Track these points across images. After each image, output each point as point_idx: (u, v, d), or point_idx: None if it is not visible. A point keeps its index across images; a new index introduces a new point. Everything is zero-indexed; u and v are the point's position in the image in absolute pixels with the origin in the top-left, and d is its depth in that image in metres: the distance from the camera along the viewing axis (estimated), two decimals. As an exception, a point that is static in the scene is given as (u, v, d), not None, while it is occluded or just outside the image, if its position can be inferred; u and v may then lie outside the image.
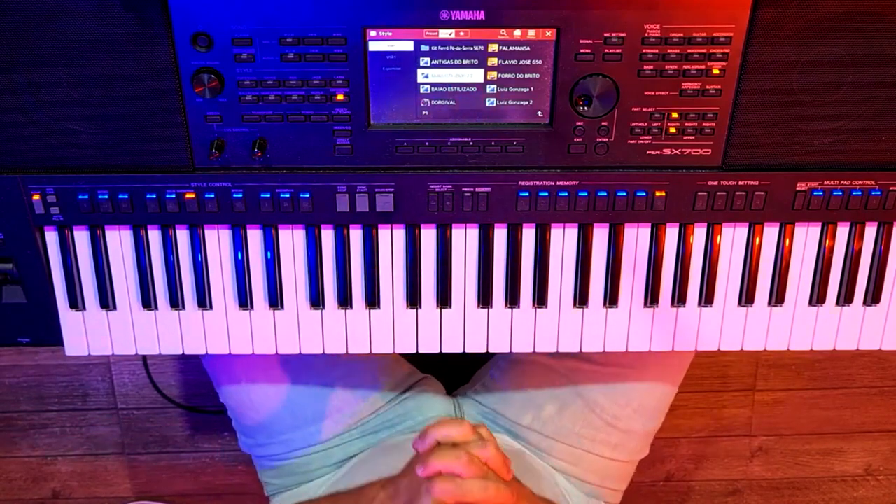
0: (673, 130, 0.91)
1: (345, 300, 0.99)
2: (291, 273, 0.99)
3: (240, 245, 0.97)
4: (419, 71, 0.88)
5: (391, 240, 0.98)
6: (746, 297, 1.00)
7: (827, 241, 0.98)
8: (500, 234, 0.98)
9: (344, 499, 1.05)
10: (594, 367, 1.18)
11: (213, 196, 0.94)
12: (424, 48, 0.87)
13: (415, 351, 1.03)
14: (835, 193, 0.95)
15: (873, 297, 1.01)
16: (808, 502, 1.98)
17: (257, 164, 0.92)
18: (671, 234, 0.98)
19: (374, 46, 0.87)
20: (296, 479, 1.23)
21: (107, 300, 0.99)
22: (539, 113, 0.91)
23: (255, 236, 0.98)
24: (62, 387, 1.80)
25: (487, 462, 0.91)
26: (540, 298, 1.00)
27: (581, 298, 1.00)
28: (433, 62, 0.88)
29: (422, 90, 0.90)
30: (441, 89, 0.90)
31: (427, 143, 0.92)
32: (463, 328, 1.01)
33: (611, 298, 1.00)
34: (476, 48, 0.87)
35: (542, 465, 1.22)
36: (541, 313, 1.01)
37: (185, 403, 1.80)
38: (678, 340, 1.02)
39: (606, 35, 0.86)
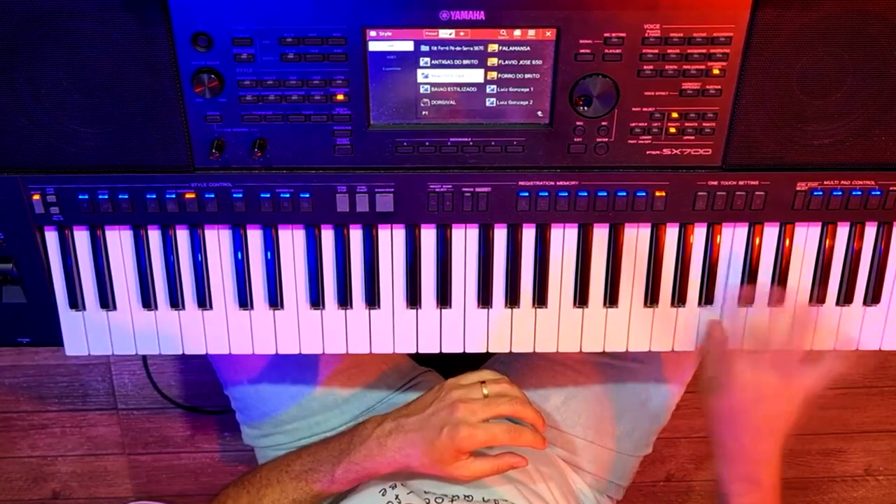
0: (673, 130, 0.91)
1: (345, 300, 0.99)
2: (291, 273, 0.99)
3: (240, 245, 0.97)
4: (419, 71, 0.88)
5: (391, 240, 0.98)
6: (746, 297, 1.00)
7: (827, 241, 0.98)
8: (500, 234, 0.98)
9: (336, 439, 1.06)
10: (603, 361, 1.18)
11: (213, 196, 0.94)
12: (424, 48, 0.87)
13: (415, 351, 1.03)
14: (835, 193, 0.95)
15: (873, 297, 1.01)
16: (808, 502, 1.98)
17: (257, 164, 0.92)
18: (671, 234, 0.98)
19: (374, 46, 0.87)
20: None
21: (107, 300, 0.99)
22: (539, 113, 0.91)
23: (255, 236, 0.98)
24: (62, 387, 1.80)
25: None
26: (540, 298, 1.00)
27: (581, 298, 1.00)
28: (433, 62, 0.88)
29: (422, 90, 0.90)
30: (441, 89, 0.90)
31: (427, 143, 0.92)
32: (463, 328, 1.01)
33: (611, 298, 1.00)
34: (476, 48, 0.87)
35: (550, 453, 1.23)
36: (541, 313, 1.01)
37: (185, 403, 1.80)
38: (678, 340, 1.02)
39: (606, 35, 0.86)
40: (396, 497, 1.02)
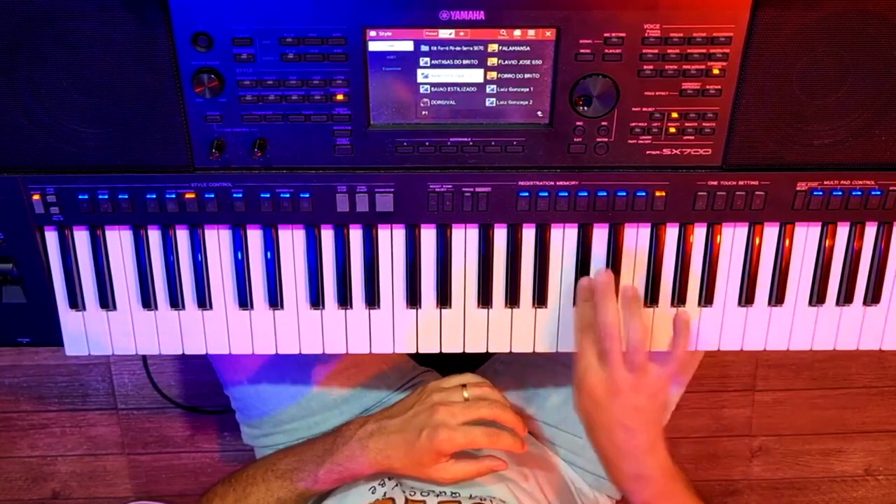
0: (673, 130, 0.91)
1: (345, 300, 0.99)
2: (291, 273, 0.99)
3: (240, 245, 0.97)
4: (419, 71, 0.88)
5: (391, 240, 0.98)
6: (746, 297, 1.00)
7: (827, 241, 0.98)
8: (500, 234, 0.98)
9: (321, 440, 1.07)
10: None
11: (213, 196, 0.94)
12: (424, 48, 0.87)
13: (415, 351, 1.03)
14: (835, 193, 0.95)
15: (873, 297, 1.01)
16: (808, 502, 1.98)
17: (257, 164, 0.92)
18: (671, 234, 0.98)
19: (374, 46, 0.87)
20: None
21: (107, 300, 0.99)
22: (539, 113, 0.91)
23: (255, 236, 0.98)
24: (62, 387, 1.80)
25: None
26: (540, 298, 1.00)
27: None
28: (433, 62, 0.88)
29: (422, 90, 0.90)
30: (441, 89, 0.90)
31: (427, 143, 0.92)
32: (463, 328, 1.01)
33: (611, 298, 1.00)
34: (476, 48, 0.87)
35: (549, 452, 1.23)
36: (541, 313, 1.01)
37: (184, 403, 1.80)
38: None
39: (606, 35, 0.86)
40: (385, 495, 1.02)
